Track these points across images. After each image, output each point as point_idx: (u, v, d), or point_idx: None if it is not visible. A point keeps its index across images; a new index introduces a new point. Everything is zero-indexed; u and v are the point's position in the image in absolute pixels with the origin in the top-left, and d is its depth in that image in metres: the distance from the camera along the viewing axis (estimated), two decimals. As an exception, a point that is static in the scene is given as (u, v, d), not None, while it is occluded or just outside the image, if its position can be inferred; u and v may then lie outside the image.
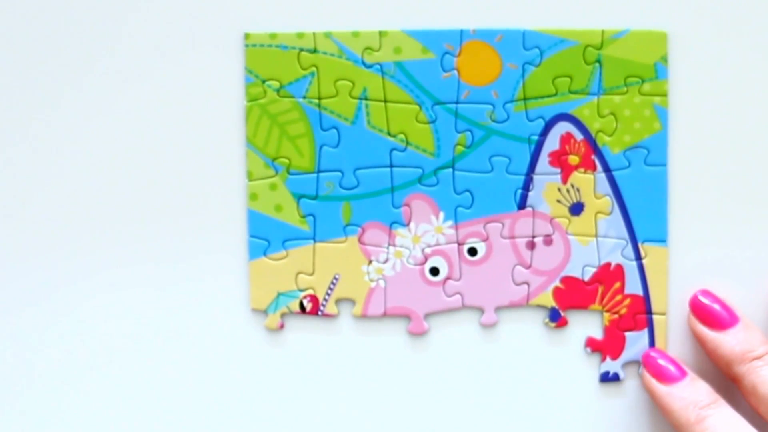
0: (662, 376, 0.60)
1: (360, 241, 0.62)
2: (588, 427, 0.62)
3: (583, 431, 0.62)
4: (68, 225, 0.63)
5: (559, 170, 0.61)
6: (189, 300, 0.63)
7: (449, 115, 0.61)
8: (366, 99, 0.61)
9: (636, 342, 0.62)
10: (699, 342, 0.60)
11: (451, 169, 0.62)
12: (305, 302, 0.62)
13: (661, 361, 0.60)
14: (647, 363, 0.61)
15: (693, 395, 0.59)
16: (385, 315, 0.62)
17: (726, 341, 0.59)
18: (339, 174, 0.62)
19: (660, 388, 0.60)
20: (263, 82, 0.61)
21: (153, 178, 0.62)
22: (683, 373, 0.60)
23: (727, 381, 0.60)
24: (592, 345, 0.62)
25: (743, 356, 0.58)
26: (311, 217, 0.62)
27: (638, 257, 0.61)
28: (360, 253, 0.62)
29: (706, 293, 0.60)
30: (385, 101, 0.61)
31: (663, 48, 0.61)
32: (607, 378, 0.62)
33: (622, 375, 0.62)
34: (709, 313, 0.60)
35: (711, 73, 0.61)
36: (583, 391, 0.62)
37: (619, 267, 0.62)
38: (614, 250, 0.62)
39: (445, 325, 0.62)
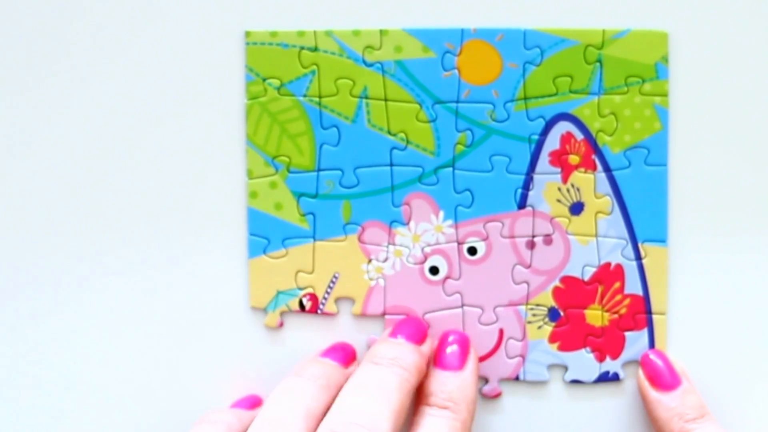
0: (656, 382, 0.60)
1: (360, 240, 0.62)
2: (588, 426, 0.62)
3: (582, 431, 0.62)
4: (68, 223, 0.63)
5: (559, 170, 0.61)
6: (188, 298, 0.63)
7: (449, 114, 0.61)
8: (366, 98, 0.61)
9: (636, 342, 0.62)
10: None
11: (451, 168, 0.62)
12: (305, 300, 0.62)
13: (658, 366, 0.60)
14: (645, 365, 0.61)
15: (681, 407, 0.59)
16: (384, 314, 0.62)
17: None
18: (339, 172, 0.62)
19: (651, 393, 0.60)
20: (264, 80, 0.61)
21: (153, 176, 0.62)
22: (677, 383, 0.60)
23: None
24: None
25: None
26: (311, 216, 0.62)
27: (638, 257, 0.61)
28: (360, 252, 0.62)
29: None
30: (386, 100, 0.61)
31: (664, 48, 0.61)
32: (607, 378, 0.62)
33: (621, 375, 0.62)
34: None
35: (711, 73, 0.61)
36: (584, 389, 0.62)
37: (619, 267, 0.62)
38: (614, 249, 0.61)
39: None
